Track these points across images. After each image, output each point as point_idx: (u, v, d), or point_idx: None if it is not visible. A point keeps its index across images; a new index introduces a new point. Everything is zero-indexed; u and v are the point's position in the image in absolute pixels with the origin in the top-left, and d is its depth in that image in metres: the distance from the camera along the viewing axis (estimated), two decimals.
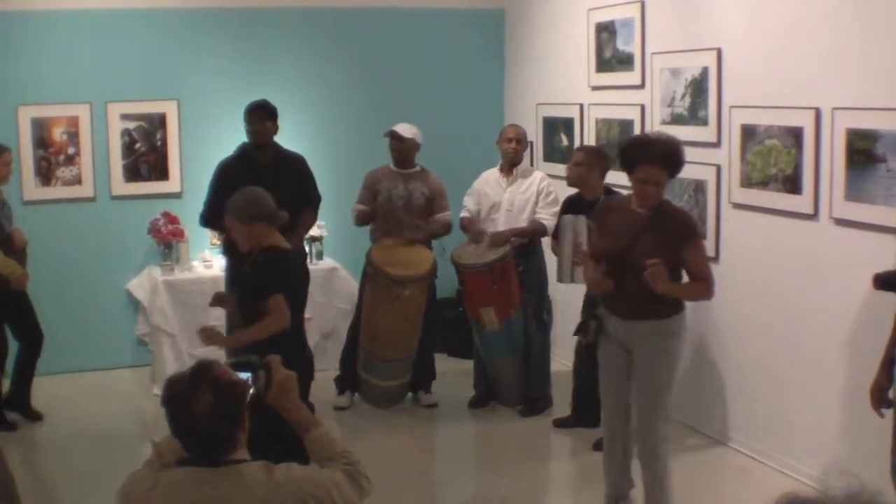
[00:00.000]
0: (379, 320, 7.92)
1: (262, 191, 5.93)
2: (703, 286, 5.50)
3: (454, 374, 8.92)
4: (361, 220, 8.27)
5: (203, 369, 3.07)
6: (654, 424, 5.52)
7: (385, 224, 8.15)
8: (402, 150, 8.18)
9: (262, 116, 7.64)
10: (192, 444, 3.07)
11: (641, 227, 5.42)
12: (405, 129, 8.19)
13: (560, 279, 7.25)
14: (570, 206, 7.35)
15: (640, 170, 5.38)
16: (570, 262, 7.06)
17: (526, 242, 7.85)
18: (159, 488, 3.06)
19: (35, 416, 7.97)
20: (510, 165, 8.05)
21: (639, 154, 5.42)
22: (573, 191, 7.43)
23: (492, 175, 8.16)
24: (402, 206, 8.11)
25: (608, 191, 7.24)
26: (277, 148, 7.76)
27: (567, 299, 8.12)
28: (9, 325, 7.78)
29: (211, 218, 7.59)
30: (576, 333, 5.92)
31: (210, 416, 2.99)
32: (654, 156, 5.36)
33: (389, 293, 7.82)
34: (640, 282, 5.31)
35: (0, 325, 7.71)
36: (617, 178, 7.05)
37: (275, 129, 7.72)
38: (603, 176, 7.25)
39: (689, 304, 5.71)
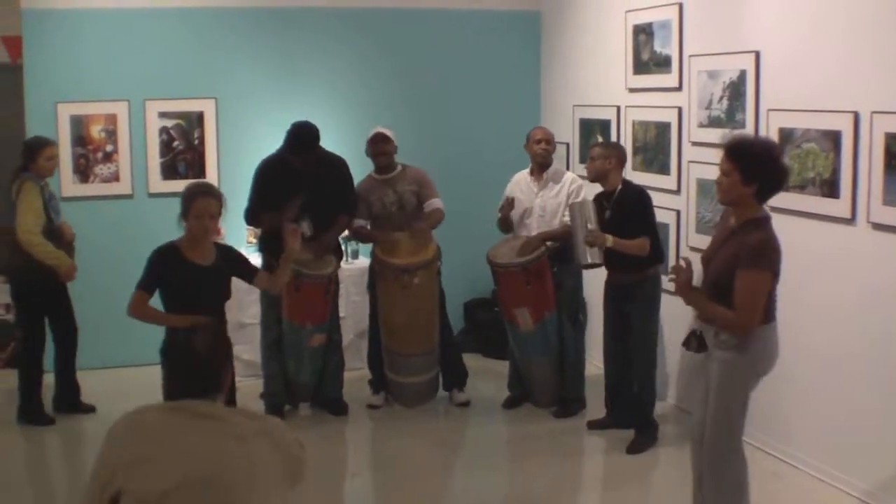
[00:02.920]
0: (394, 315, 7.97)
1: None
2: (730, 317, 5.09)
3: (489, 375, 8.92)
4: (361, 235, 8.29)
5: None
6: (713, 436, 5.31)
7: (386, 230, 8.15)
8: (389, 153, 8.07)
9: (314, 153, 7.69)
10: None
11: (723, 241, 5.28)
12: (385, 131, 8.12)
13: (577, 262, 7.37)
14: (596, 201, 7.40)
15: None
16: (582, 244, 7.18)
17: (559, 246, 7.84)
18: (148, 425, 3.45)
19: (88, 410, 8.07)
20: (541, 167, 8.03)
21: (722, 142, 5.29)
22: (600, 188, 7.43)
23: (523, 179, 8.14)
24: (397, 211, 8.08)
25: (627, 183, 7.28)
26: (320, 150, 7.79)
27: (600, 301, 8.11)
28: (49, 320, 7.85)
29: (253, 216, 7.72)
30: (683, 345, 5.75)
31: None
32: (726, 145, 5.21)
33: (399, 284, 7.84)
34: (710, 294, 5.22)
35: (41, 318, 7.80)
36: (634, 177, 7.05)
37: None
38: (620, 166, 7.30)
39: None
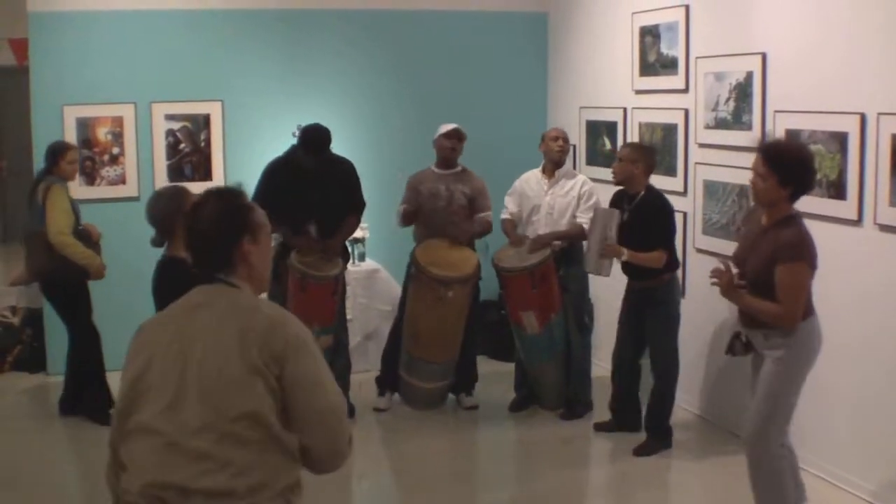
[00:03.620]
0: (421, 321, 7.93)
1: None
2: (775, 310, 5.22)
3: (495, 377, 8.91)
4: (406, 218, 8.26)
5: (214, 190, 3.46)
6: (760, 431, 5.41)
7: (428, 224, 8.14)
8: (457, 149, 8.15)
9: (325, 154, 7.72)
10: (197, 252, 3.38)
11: (757, 238, 5.39)
12: (462, 129, 8.18)
13: (586, 268, 7.44)
14: (615, 200, 7.39)
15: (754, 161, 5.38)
16: (596, 254, 7.21)
17: (566, 246, 7.84)
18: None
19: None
20: (554, 166, 8.02)
21: (757, 146, 5.44)
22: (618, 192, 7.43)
23: (533, 176, 8.14)
24: (444, 206, 8.09)
25: (651, 189, 7.25)
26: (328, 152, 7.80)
27: (608, 303, 8.10)
28: (67, 320, 7.91)
29: None
30: (727, 352, 5.80)
31: (212, 220, 3.31)
32: (761, 147, 5.36)
33: (433, 294, 7.82)
34: (751, 290, 5.32)
35: (89, 316, 7.90)
36: (658, 181, 7.03)
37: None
38: (648, 172, 7.25)
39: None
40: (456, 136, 8.13)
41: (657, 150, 7.91)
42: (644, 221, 7.14)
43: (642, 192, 7.21)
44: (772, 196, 5.29)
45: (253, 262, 3.35)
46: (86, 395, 7.90)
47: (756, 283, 5.30)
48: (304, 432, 3.17)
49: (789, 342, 5.32)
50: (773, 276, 5.19)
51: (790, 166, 5.26)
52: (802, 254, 5.21)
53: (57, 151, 7.80)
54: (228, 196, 3.39)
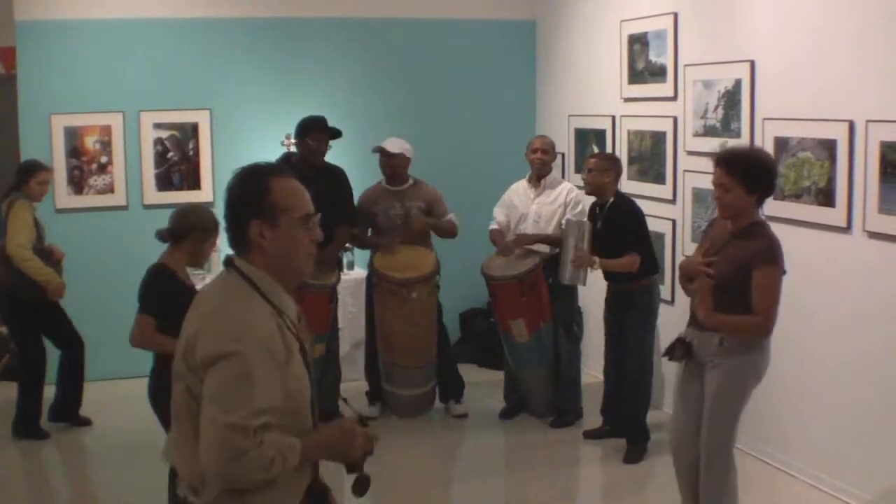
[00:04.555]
0: (392, 328, 7.97)
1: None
2: (753, 322, 5.13)
3: (484, 385, 8.90)
4: (364, 245, 8.35)
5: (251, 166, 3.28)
6: (712, 441, 5.35)
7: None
8: (393, 166, 8.09)
9: (328, 137, 7.73)
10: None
11: (724, 243, 5.31)
12: (393, 144, 8.10)
13: (561, 280, 7.49)
14: (590, 212, 7.46)
15: (713, 173, 5.28)
16: (569, 264, 7.29)
17: (555, 254, 7.84)
18: None
19: (83, 423, 8.08)
20: (538, 176, 8.03)
21: (714, 158, 5.32)
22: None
23: (521, 186, 8.15)
24: (401, 224, 8.09)
25: (620, 195, 7.31)
26: (322, 161, 7.81)
27: (597, 310, 8.10)
28: (46, 335, 7.85)
29: None
30: (665, 355, 5.77)
31: (227, 198, 3.20)
32: (721, 159, 5.24)
33: (397, 298, 7.87)
34: (716, 296, 5.22)
35: (35, 332, 7.79)
36: (630, 187, 7.04)
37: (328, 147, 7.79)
38: (616, 179, 7.31)
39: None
40: (384, 154, 8.10)
41: (645, 157, 7.92)
42: (616, 227, 7.18)
43: (612, 199, 7.26)
44: (739, 206, 5.19)
45: (267, 248, 3.13)
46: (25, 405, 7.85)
47: (724, 287, 5.19)
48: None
49: (746, 352, 5.25)
50: (743, 281, 5.11)
51: (757, 174, 5.18)
52: (776, 259, 5.16)
53: (29, 170, 7.75)
54: (248, 173, 3.24)
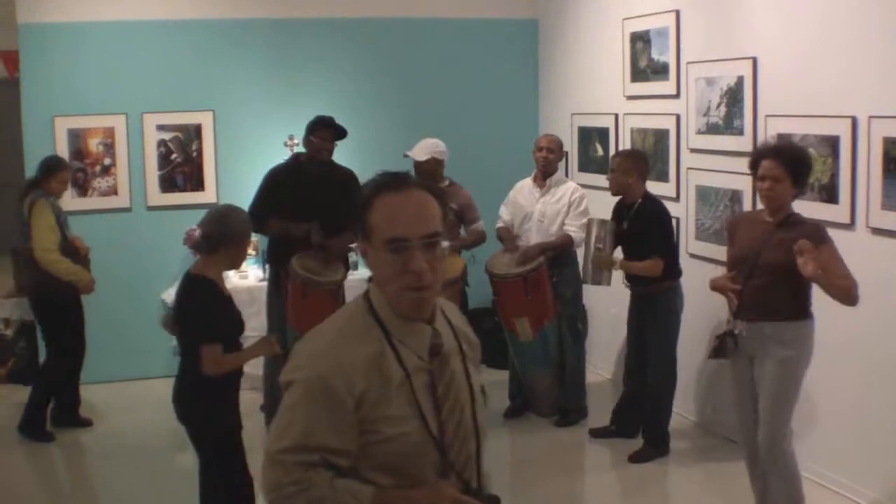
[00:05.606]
0: None
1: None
2: (849, 284, 5.25)
3: (489, 385, 8.83)
4: None
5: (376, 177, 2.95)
6: (778, 436, 5.48)
7: None
8: (423, 173, 7.89)
9: (333, 136, 7.66)
10: None
11: (769, 233, 5.44)
12: (421, 151, 7.89)
13: (583, 280, 7.49)
14: (615, 212, 7.40)
15: (761, 167, 5.43)
16: (590, 265, 7.26)
17: (559, 253, 7.82)
18: None
19: (85, 423, 8.10)
20: (543, 175, 8.02)
21: (762, 152, 5.52)
22: (614, 199, 7.42)
23: (526, 184, 8.14)
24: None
25: (648, 196, 7.24)
26: (331, 161, 7.76)
27: (602, 309, 8.09)
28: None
29: (256, 221, 7.64)
30: (714, 356, 5.79)
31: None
32: (774, 151, 5.44)
33: None
34: (767, 284, 5.40)
35: (72, 326, 7.86)
36: (650, 187, 7.03)
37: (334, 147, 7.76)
38: (642, 178, 7.24)
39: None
40: (413, 164, 7.88)
41: (649, 155, 7.90)
42: (642, 230, 7.13)
43: (640, 201, 7.20)
44: (787, 197, 5.44)
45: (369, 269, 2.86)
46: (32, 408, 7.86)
47: (776, 274, 5.36)
48: None
49: (800, 343, 5.45)
50: (795, 266, 5.18)
51: (804, 167, 5.44)
52: (827, 234, 5.38)
53: (51, 169, 7.74)
54: (364, 186, 2.96)
